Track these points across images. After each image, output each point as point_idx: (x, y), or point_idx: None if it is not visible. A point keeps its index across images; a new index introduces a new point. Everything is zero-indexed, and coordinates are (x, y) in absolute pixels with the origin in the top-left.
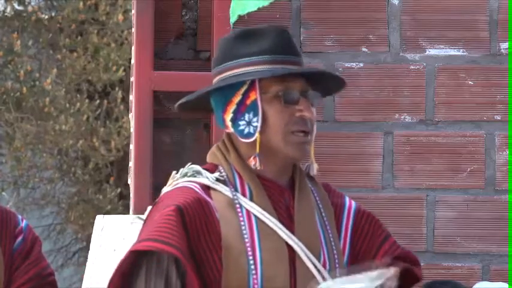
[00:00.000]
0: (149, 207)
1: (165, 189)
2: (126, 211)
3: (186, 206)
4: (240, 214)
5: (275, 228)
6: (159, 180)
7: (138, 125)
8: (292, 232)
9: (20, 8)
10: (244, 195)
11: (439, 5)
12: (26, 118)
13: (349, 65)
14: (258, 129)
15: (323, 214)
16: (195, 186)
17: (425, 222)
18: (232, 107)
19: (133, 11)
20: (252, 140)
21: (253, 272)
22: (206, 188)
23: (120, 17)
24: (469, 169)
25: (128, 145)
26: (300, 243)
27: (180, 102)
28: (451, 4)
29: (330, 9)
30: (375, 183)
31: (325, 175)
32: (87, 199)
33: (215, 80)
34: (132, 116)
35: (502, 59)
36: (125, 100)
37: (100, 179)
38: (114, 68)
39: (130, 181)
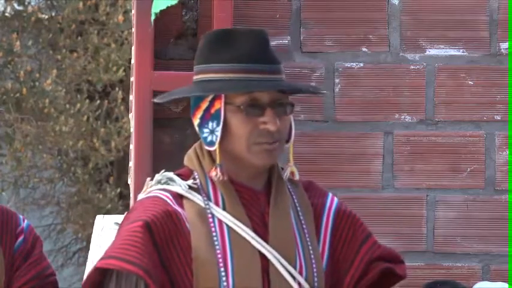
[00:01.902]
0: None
1: (139, 196)
2: (126, 211)
3: (155, 221)
4: (211, 224)
5: (247, 237)
6: None
7: (138, 125)
8: (266, 240)
9: (20, 8)
10: (217, 203)
11: (439, 5)
12: (26, 119)
13: (349, 65)
14: (218, 139)
15: (301, 218)
16: (167, 197)
17: (425, 222)
18: (199, 113)
19: (133, 11)
20: (213, 148)
21: (225, 283)
22: (179, 197)
23: (120, 17)
24: (469, 169)
25: (128, 145)
26: (274, 252)
27: (157, 100)
28: (451, 4)
29: (330, 9)
30: (375, 183)
31: (325, 175)
32: (87, 199)
33: (193, 78)
34: (132, 116)
35: (502, 59)
36: (125, 100)
37: (100, 179)
38: (115, 68)
39: (130, 181)
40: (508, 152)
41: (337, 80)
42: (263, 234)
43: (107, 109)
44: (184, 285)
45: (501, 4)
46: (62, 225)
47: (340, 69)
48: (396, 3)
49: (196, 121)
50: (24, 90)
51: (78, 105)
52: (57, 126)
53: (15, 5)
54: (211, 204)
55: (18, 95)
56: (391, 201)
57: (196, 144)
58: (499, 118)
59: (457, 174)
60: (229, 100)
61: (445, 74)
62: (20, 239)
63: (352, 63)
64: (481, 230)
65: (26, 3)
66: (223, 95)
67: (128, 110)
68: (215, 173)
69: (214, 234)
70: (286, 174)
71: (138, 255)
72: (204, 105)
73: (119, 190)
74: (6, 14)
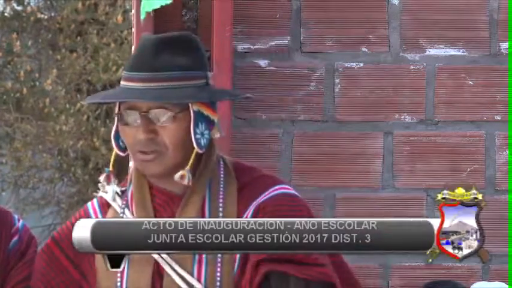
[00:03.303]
0: None
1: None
2: None
3: (61, 234)
4: None
5: None
6: None
7: None
8: None
9: (20, 8)
10: (132, 208)
11: (439, 5)
12: (26, 119)
13: (349, 65)
14: (114, 145)
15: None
16: (92, 205)
17: None
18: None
19: (133, 11)
20: (122, 154)
21: (119, 280)
22: (106, 205)
23: (120, 17)
24: (469, 169)
25: None
26: (167, 256)
27: (86, 101)
28: (451, 4)
29: (330, 9)
30: (375, 183)
31: (325, 175)
32: (87, 199)
33: None
34: None
35: (502, 59)
36: None
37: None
38: (114, 68)
39: None
40: (508, 152)
41: (337, 80)
42: None
43: (106, 108)
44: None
45: (501, 4)
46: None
47: (340, 69)
48: (396, 3)
49: None
50: (24, 90)
51: (78, 104)
52: (57, 125)
53: (15, 5)
54: (126, 210)
55: (18, 94)
56: (391, 201)
57: None
58: (499, 118)
59: (457, 174)
60: (118, 108)
61: (445, 74)
62: (15, 238)
63: (352, 63)
64: None
65: (26, 3)
66: (117, 103)
67: None
68: (101, 178)
69: None
70: (176, 178)
71: (43, 277)
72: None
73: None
74: (6, 14)
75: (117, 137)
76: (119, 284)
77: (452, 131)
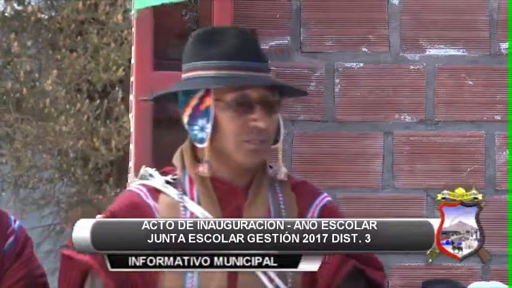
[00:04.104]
0: None
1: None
2: None
3: (118, 211)
4: (182, 216)
5: None
6: None
7: (138, 125)
8: None
9: (20, 8)
10: (192, 198)
11: (439, 5)
12: (25, 119)
13: (349, 65)
14: (209, 136)
15: (283, 215)
16: (141, 190)
17: None
18: (188, 110)
19: (133, 11)
20: (204, 145)
21: (190, 281)
22: (155, 191)
23: (120, 17)
24: (469, 169)
25: (128, 144)
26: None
27: (143, 98)
28: (451, 4)
29: (330, 9)
30: (375, 183)
31: (325, 175)
32: (86, 199)
33: (181, 77)
34: (132, 116)
35: (502, 59)
36: (125, 100)
37: (100, 179)
38: (114, 67)
39: (130, 181)
40: (508, 152)
41: (337, 80)
42: None
43: (106, 108)
44: (151, 283)
45: (501, 4)
46: (62, 226)
47: (340, 69)
48: (396, 3)
49: (185, 118)
50: (24, 90)
51: (78, 105)
52: (57, 126)
53: (15, 5)
54: (185, 198)
55: (18, 95)
56: (391, 201)
57: (183, 144)
58: (499, 118)
59: (457, 174)
60: (219, 97)
61: (445, 74)
62: (11, 239)
63: (352, 63)
64: None
65: (26, 3)
66: (212, 92)
67: (127, 109)
68: (201, 169)
69: None
70: (281, 175)
71: None
72: (193, 102)
73: (118, 190)
74: (6, 14)
75: (191, 129)
76: (189, 285)
77: (452, 131)
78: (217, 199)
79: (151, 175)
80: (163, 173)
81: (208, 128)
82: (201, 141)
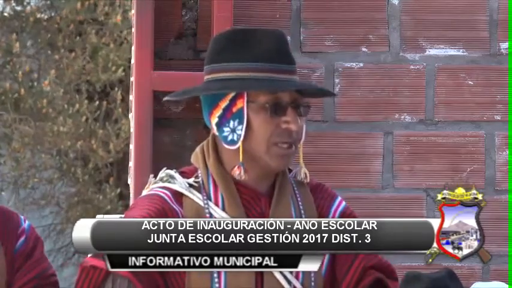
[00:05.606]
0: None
1: (143, 193)
2: (125, 211)
3: (153, 216)
4: None
5: None
6: None
7: (138, 125)
8: None
9: (19, 8)
10: (216, 203)
11: (439, 5)
12: (24, 119)
13: (349, 65)
14: (242, 138)
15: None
16: (166, 194)
17: None
18: (218, 111)
19: (133, 11)
20: (235, 147)
21: (216, 281)
22: (179, 195)
23: (119, 17)
24: (469, 169)
25: (126, 147)
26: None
27: (168, 98)
28: (451, 4)
29: (330, 9)
30: (375, 183)
31: (325, 175)
32: (87, 199)
33: (205, 78)
34: (132, 116)
35: (502, 59)
36: (125, 100)
37: (100, 179)
38: (113, 68)
39: (130, 181)
40: (508, 152)
41: (337, 80)
42: None
43: (106, 110)
44: (175, 279)
45: (501, 4)
46: (62, 226)
47: (340, 69)
48: (396, 3)
49: (214, 120)
50: (23, 91)
51: (77, 105)
52: (56, 126)
53: (14, 5)
54: (211, 204)
55: (16, 95)
56: (391, 201)
57: (204, 142)
58: (499, 118)
59: (457, 174)
60: (252, 99)
61: (445, 74)
62: (22, 239)
63: (352, 63)
64: None
65: (25, 3)
66: (245, 94)
67: (127, 110)
68: (238, 172)
69: None
70: (301, 176)
71: None
72: (224, 103)
73: (118, 190)
74: (5, 14)
75: (221, 130)
76: (216, 285)
77: (452, 131)
78: (242, 205)
79: (172, 177)
80: (183, 174)
81: (241, 130)
82: (232, 143)
